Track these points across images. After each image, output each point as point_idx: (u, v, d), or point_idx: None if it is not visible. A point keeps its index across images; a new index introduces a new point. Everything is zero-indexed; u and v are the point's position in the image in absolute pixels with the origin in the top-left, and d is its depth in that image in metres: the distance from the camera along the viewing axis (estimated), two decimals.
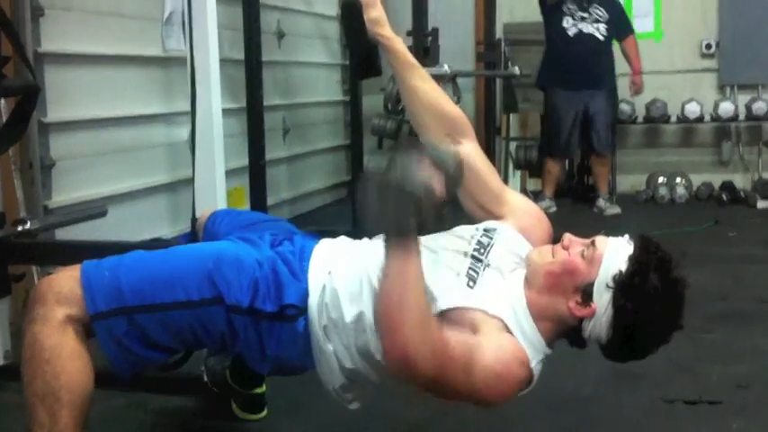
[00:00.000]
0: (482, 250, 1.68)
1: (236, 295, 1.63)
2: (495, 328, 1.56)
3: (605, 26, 5.66)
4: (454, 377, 1.45)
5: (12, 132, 2.38)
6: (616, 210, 5.79)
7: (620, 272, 1.58)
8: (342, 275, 1.66)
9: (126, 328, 1.62)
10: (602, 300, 1.59)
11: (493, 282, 1.64)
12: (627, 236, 1.66)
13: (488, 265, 1.66)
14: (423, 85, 1.87)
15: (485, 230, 1.75)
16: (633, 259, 1.59)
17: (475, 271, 1.63)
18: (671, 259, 1.61)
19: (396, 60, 1.89)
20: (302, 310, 1.65)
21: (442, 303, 1.56)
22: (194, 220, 2.28)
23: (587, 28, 5.64)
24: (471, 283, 1.61)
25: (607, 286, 1.58)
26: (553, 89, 5.77)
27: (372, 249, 1.72)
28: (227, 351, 1.80)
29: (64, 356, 1.58)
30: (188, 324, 1.64)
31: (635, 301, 1.57)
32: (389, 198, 1.39)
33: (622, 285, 1.58)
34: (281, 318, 1.64)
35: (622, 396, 2.57)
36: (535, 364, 1.58)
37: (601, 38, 5.66)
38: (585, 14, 5.64)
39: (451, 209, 1.59)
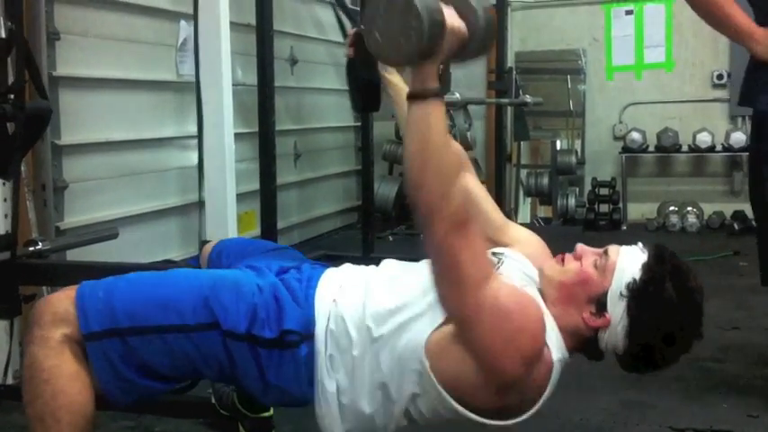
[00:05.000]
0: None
1: (232, 320, 1.59)
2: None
3: None
4: (465, 266, 1.44)
5: (21, 153, 2.38)
6: None
7: (634, 280, 1.56)
8: (347, 302, 1.64)
9: (119, 351, 1.58)
10: (617, 309, 1.56)
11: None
12: (640, 244, 1.64)
13: (501, 275, 1.63)
14: None
15: (493, 253, 1.74)
16: (647, 267, 1.57)
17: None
18: (687, 268, 1.59)
19: (398, 95, 1.89)
20: (304, 336, 1.61)
21: None
22: (203, 242, 2.27)
23: None
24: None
25: (621, 295, 1.56)
26: None
27: (377, 274, 1.72)
28: (228, 382, 1.76)
29: (63, 377, 1.56)
30: (184, 351, 1.61)
31: (650, 310, 1.54)
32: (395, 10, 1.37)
33: (636, 294, 1.55)
34: (281, 344, 1.60)
35: (631, 425, 2.55)
36: (556, 359, 1.54)
37: None
38: None
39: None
